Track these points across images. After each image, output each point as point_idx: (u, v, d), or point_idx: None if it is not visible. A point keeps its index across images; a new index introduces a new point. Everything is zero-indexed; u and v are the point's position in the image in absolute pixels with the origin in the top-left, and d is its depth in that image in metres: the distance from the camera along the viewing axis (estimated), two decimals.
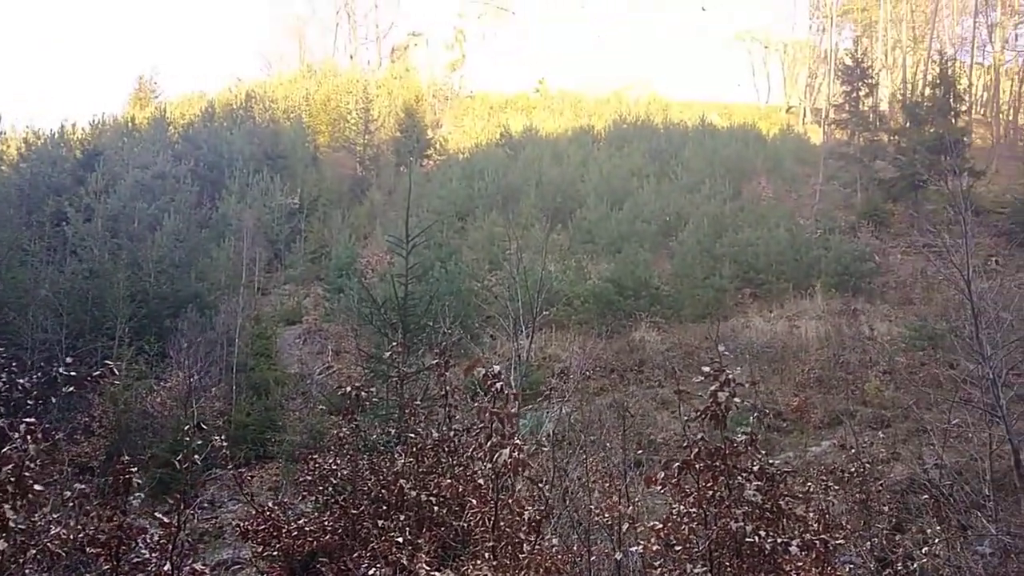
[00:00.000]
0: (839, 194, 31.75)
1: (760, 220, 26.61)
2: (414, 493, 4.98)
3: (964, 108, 32.29)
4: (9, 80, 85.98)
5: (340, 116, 41.24)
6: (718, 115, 44.49)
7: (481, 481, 4.71)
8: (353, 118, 39.50)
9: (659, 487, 5.19)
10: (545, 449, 6.45)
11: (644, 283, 22.32)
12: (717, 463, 4.95)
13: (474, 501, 4.76)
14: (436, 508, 5.03)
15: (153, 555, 4.75)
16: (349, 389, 5.92)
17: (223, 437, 5.54)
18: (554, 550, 5.33)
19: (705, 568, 4.85)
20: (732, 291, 23.24)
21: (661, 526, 5.03)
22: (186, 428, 5.14)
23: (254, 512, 5.77)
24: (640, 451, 9.10)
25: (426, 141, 40.27)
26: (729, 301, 22.93)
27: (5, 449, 4.22)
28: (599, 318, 21.71)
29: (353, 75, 48.42)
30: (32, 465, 4.21)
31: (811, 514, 6.31)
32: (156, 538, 4.90)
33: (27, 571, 4.32)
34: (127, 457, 4.97)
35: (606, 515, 6.00)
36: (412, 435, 5.68)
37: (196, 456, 5.10)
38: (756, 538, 4.70)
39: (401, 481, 5.06)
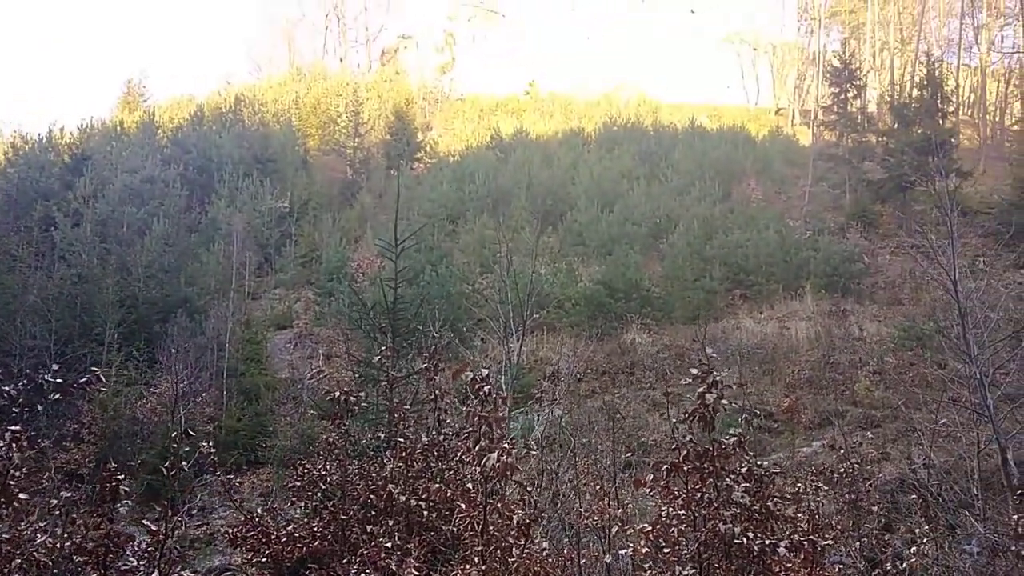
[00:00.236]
0: (828, 195, 31.92)
1: (750, 222, 26.72)
2: (403, 498, 4.97)
3: (951, 109, 32.52)
4: (9, 80, 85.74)
5: (330, 119, 41.17)
6: (708, 117, 44.66)
7: (470, 485, 4.71)
8: (343, 121, 39.45)
9: (648, 490, 5.20)
10: (534, 452, 6.45)
11: (635, 285, 22.37)
12: (705, 465, 4.96)
13: (463, 505, 4.76)
14: (425, 513, 5.02)
15: (141, 563, 4.72)
16: (338, 394, 5.91)
17: (211, 444, 5.51)
18: (544, 553, 5.33)
19: (694, 570, 4.86)
20: (722, 293, 23.32)
21: (650, 528, 5.04)
22: (173, 435, 5.11)
23: (243, 518, 5.75)
24: (630, 453, 9.10)
25: (416, 144, 40.24)
26: (719, 302, 23.01)
27: None
28: (590, 320, 21.74)
29: (343, 78, 48.35)
30: (17, 473, 4.18)
31: (801, 515, 6.33)
32: (144, 546, 4.87)
33: None
34: (114, 464, 4.94)
35: (596, 518, 6.00)
36: (401, 440, 5.67)
37: (184, 463, 5.07)
38: (744, 539, 4.71)
39: (390, 486, 5.05)
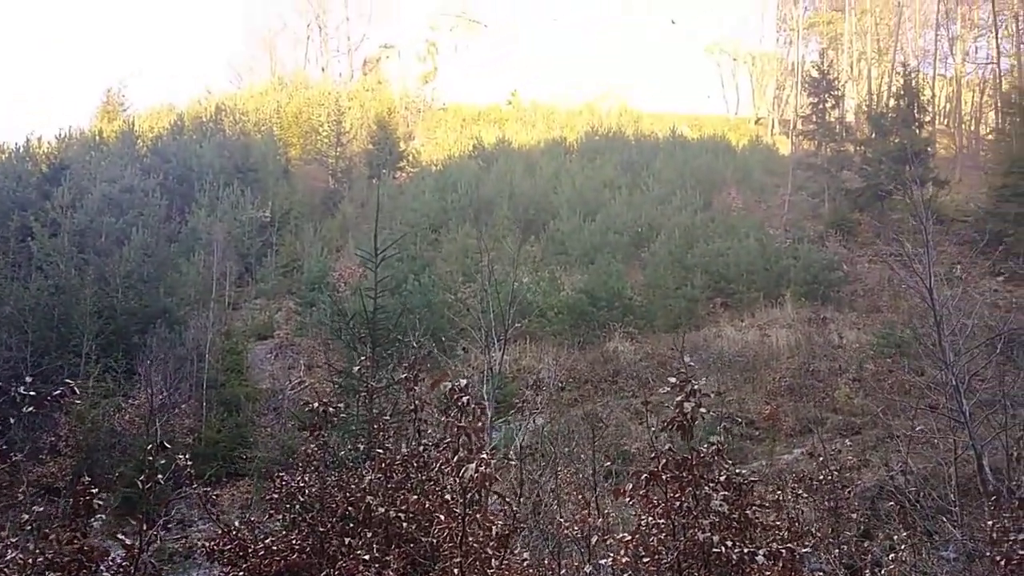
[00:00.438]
0: (807, 204, 32.22)
1: (730, 230, 26.92)
2: (382, 509, 4.95)
3: (927, 119, 33.01)
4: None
5: (312, 129, 41.09)
6: (688, 127, 45.03)
7: (448, 496, 4.70)
8: (325, 131, 39.37)
9: (627, 499, 5.20)
10: (513, 463, 6.44)
11: (617, 294, 22.45)
12: (684, 474, 4.97)
13: (442, 517, 4.74)
14: (404, 524, 5.00)
15: None
16: (316, 405, 5.87)
17: (188, 456, 5.46)
18: (524, 564, 5.32)
19: None
20: (704, 301, 23.44)
21: (630, 538, 5.04)
22: (149, 447, 5.05)
23: (221, 531, 5.69)
24: (609, 463, 9.11)
25: (399, 153, 40.25)
26: (701, 311, 23.13)
27: None
28: (573, 329, 21.78)
29: (325, 88, 48.31)
30: None
31: (780, 522, 6.36)
32: (119, 560, 4.81)
33: None
34: (89, 478, 4.88)
35: (576, 528, 6.00)
36: (381, 451, 5.65)
37: (160, 476, 5.02)
38: (723, 548, 4.72)
39: (368, 498, 5.02)
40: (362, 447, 6.34)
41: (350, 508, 5.10)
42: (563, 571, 5.87)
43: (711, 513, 4.92)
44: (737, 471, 5.37)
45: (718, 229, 27.55)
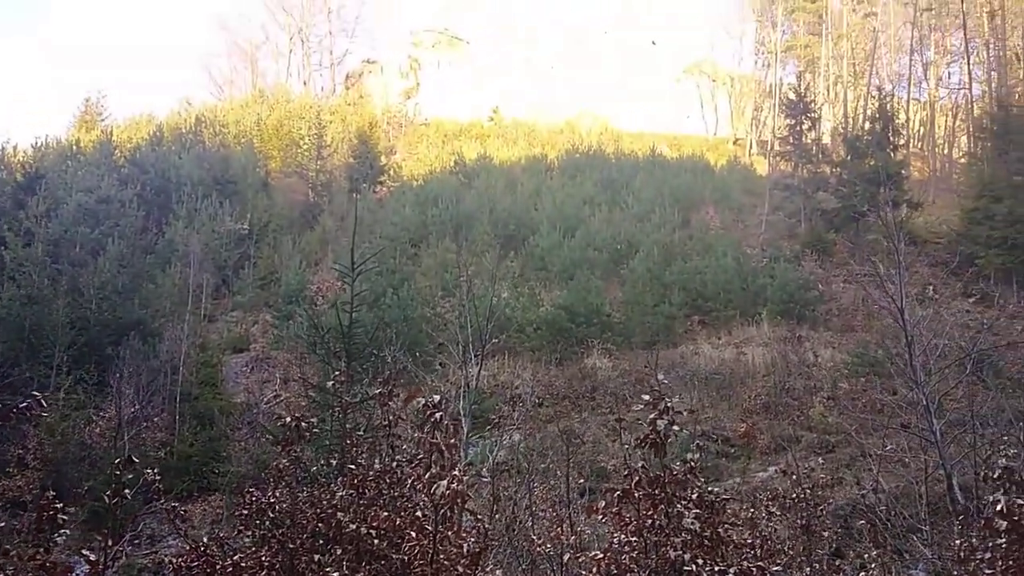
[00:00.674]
0: (784, 224, 32.60)
1: (708, 249, 27.14)
2: (353, 526, 4.90)
3: (902, 142, 33.60)
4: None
5: (292, 142, 40.93)
6: (668, 146, 45.46)
7: (420, 513, 4.67)
8: (306, 144, 39.25)
9: (600, 516, 5.20)
10: (486, 480, 6.41)
11: (596, 310, 22.52)
12: (656, 491, 4.98)
13: (413, 534, 4.71)
14: (376, 541, 4.95)
15: None
16: (289, 419, 5.82)
17: (156, 470, 5.39)
18: None
19: None
20: (681, 318, 23.58)
21: (602, 556, 5.04)
22: (116, 461, 4.98)
23: (189, 548, 5.61)
24: (583, 480, 9.11)
25: (380, 167, 40.18)
26: (678, 328, 23.26)
27: None
28: (551, 345, 21.81)
29: (306, 101, 48.21)
30: None
31: (752, 540, 6.39)
32: None
33: None
34: (53, 492, 4.79)
35: (549, 545, 5.98)
36: (353, 466, 5.60)
37: (127, 490, 4.95)
38: (694, 566, 4.73)
39: (339, 514, 4.98)
40: (335, 462, 6.29)
41: (320, 524, 5.05)
42: None
43: (683, 531, 4.93)
44: (710, 489, 5.39)
45: (696, 247, 27.78)
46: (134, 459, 4.97)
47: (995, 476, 5.59)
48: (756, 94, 51.53)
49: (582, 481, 8.89)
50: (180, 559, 5.50)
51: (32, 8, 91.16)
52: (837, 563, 7.75)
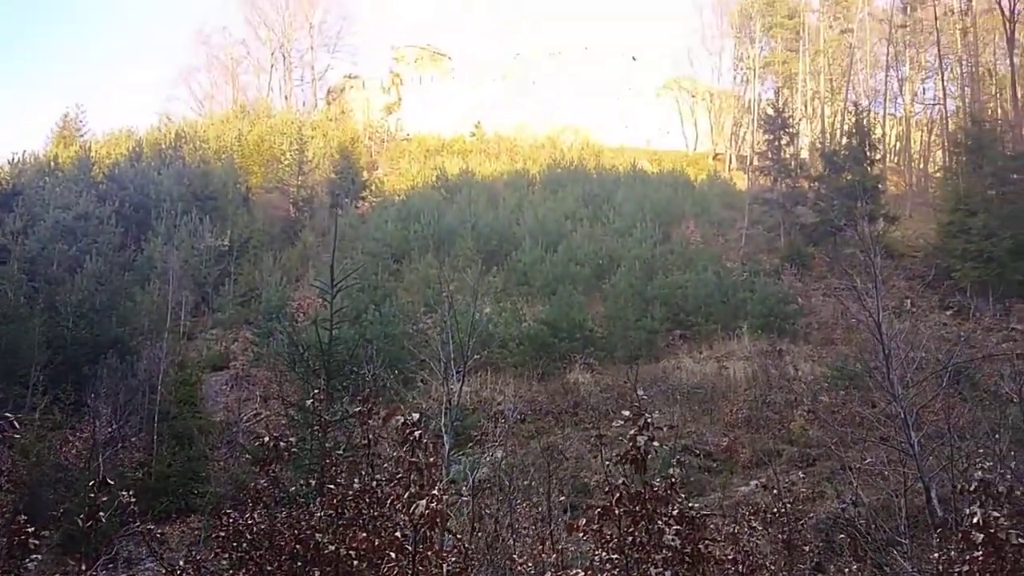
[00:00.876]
0: (763, 238, 32.89)
1: (689, 263, 27.29)
2: (332, 547, 4.85)
3: (878, 157, 34.08)
4: None
5: (273, 157, 40.83)
6: (648, 161, 45.81)
7: (400, 534, 4.63)
8: (287, 159, 39.15)
9: (581, 534, 5.18)
10: (466, 499, 6.37)
11: (578, 325, 22.54)
12: (637, 508, 4.97)
13: (393, 554, 4.67)
14: (355, 563, 4.90)
15: None
16: (267, 439, 5.76)
17: (131, 492, 5.31)
18: None
19: None
20: (663, 332, 23.65)
21: (583, 574, 5.01)
22: (91, 484, 4.90)
23: (166, 571, 5.52)
24: (564, 497, 9.08)
25: (362, 183, 40.17)
26: (660, 342, 23.32)
27: None
28: (534, 360, 21.78)
29: (288, 116, 48.15)
30: None
31: (733, 556, 6.39)
32: None
33: None
34: (25, 516, 4.71)
35: (530, 564, 5.95)
36: (332, 486, 5.55)
37: (102, 513, 4.87)
38: None
39: (318, 535, 4.93)
40: (314, 482, 6.23)
41: (298, 546, 4.99)
42: None
43: (664, 548, 4.92)
44: (691, 505, 5.39)
45: (677, 262, 27.92)
46: (109, 481, 4.90)
47: (972, 489, 5.64)
48: (735, 109, 52.08)
49: (563, 499, 8.85)
50: None
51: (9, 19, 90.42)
52: None
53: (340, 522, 5.35)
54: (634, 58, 55.81)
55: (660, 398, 19.34)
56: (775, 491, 8.56)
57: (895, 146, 50.08)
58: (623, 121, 50.94)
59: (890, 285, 23.82)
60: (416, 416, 4.69)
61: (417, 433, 4.54)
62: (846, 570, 6.97)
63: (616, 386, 20.62)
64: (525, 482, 10.00)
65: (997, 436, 9.82)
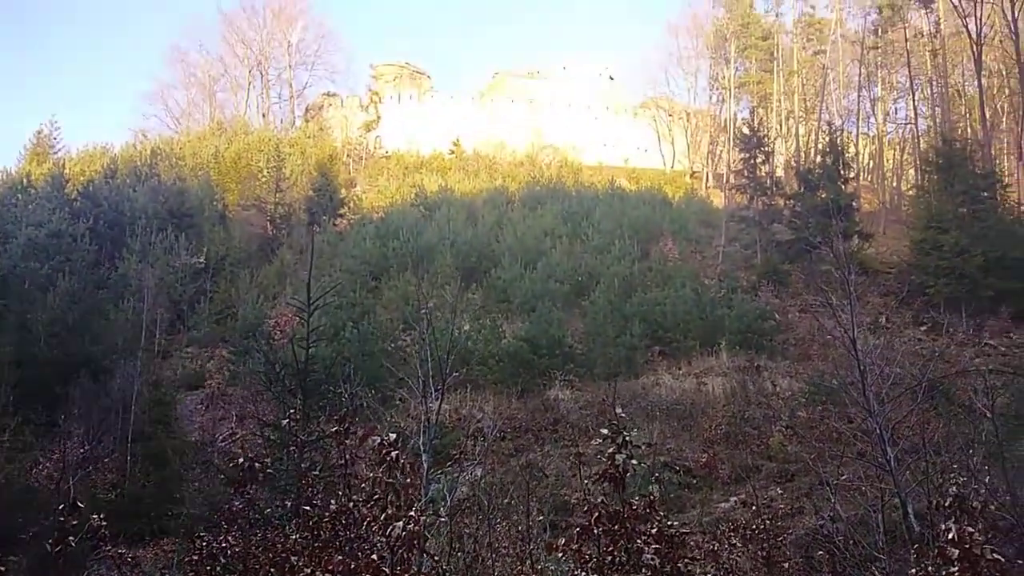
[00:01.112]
0: (740, 255, 33.20)
1: (667, 280, 27.47)
2: (307, 570, 4.78)
3: (852, 175, 34.64)
4: None
5: (251, 174, 40.61)
6: (626, 179, 46.18)
7: (376, 556, 4.57)
8: (264, 176, 38.96)
9: (560, 554, 5.15)
10: (443, 520, 6.31)
11: (558, 342, 22.56)
12: (616, 527, 4.95)
13: None
14: None
15: None
16: (243, 459, 5.69)
17: (103, 515, 5.20)
18: None
19: None
20: (642, 349, 23.71)
21: None
22: (61, 506, 4.80)
23: None
24: (541, 517, 9.02)
25: (340, 200, 40.04)
26: (639, 359, 23.37)
27: None
28: (513, 377, 21.73)
29: (265, 133, 47.97)
30: None
31: (716, 573, 6.38)
32: None
33: None
34: None
35: None
36: (308, 508, 5.48)
37: (72, 537, 4.77)
38: None
39: (293, 558, 4.85)
40: (290, 504, 6.14)
41: (273, 569, 4.91)
42: None
43: (643, 567, 4.90)
44: (670, 523, 5.38)
45: (655, 279, 28.08)
46: (80, 503, 4.80)
47: (947, 504, 5.69)
48: (712, 128, 52.70)
49: (543, 518, 8.80)
50: None
51: None
52: None
53: (316, 544, 5.28)
54: (612, 78, 56.38)
55: (640, 414, 19.35)
56: (754, 507, 8.57)
57: (868, 165, 50.92)
58: (601, 140, 51.34)
59: (865, 301, 24.18)
60: (393, 436, 4.65)
61: (394, 453, 4.50)
62: None
63: (596, 403, 20.61)
64: (505, 501, 9.93)
65: (971, 451, 9.91)
